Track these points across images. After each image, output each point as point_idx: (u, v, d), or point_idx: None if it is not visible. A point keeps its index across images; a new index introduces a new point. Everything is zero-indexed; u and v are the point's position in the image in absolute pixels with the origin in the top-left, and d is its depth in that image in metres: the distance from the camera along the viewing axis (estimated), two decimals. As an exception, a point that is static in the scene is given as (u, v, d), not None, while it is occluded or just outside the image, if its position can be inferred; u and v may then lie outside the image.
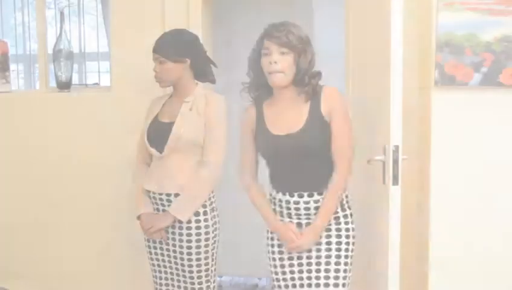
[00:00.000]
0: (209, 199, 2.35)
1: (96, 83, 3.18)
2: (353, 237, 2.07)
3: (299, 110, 2.01)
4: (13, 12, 4.17)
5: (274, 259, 2.10)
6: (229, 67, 3.70)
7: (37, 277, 3.03)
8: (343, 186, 2.04)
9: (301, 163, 2.00)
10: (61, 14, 3.03)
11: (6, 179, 3.04)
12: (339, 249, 2.02)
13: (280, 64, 1.94)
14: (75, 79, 3.84)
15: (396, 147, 2.01)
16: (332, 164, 2.02)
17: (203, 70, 2.40)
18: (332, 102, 2.00)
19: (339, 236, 2.03)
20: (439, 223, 2.46)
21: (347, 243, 2.04)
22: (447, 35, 2.38)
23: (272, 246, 2.11)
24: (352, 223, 2.07)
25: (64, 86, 3.00)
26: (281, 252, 2.08)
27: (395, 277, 2.06)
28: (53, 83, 3.08)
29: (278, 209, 2.08)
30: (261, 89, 2.08)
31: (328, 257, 2.02)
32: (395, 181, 2.03)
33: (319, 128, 1.98)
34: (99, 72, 3.78)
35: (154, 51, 2.32)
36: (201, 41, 2.45)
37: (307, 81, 1.98)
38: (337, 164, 2.01)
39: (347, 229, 2.05)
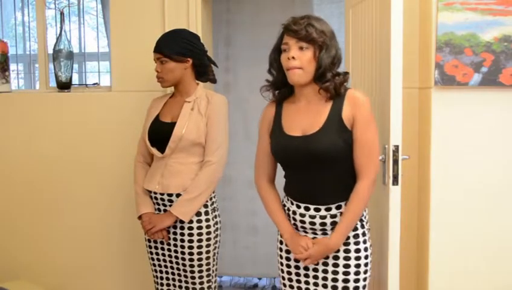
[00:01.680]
0: (211, 199, 2.35)
1: (96, 83, 3.17)
2: (365, 257, 1.89)
3: (318, 110, 1.86)
4: (13, 12, 4.17)
5: (282, 270, 2.00)
6: (229, 67, 3.71)
7: (37, 277, 3.03)
8: (366, 201, 1.86)
9: (312, 170, 1.85)
10: (61, 14, 3.03)
11: (6, 178, 3.04)
12: (347, 273, 1.87)
13: (298, 60, 1.81)
14: (75, 79, 3.84)
15: (396, 147, 2.01)
16: (346, 178, 1.87)
17: (204, 70, 2.40)
18: (356, 108, 1.83)
19: (347, 258, 1.87)
20: (439, 223, 2.46)
21: (357, 266, 1.87)
22: (447, 35, 2.38)
23: (280, 255, 2.00)
24: (364, 242, 1.89)
25: (64, 86, 3.00)
26: (288, 259, 1.97)
27: (396, 277, 2.06)
28: (53, 83, 3.08)
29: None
30: (283, 87, 1.93)
31: (335, 280, 1.87)
32: (395, 181, 2.02)
33: (337, 134, 1.82)
34: (99, 72, 3.77)
35: (156, 51, 2.31)
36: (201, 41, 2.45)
37: (328, 78, 1.82)
38: (361, 176, 1.84)
39: (357, 251, 1.87)
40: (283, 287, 2.01)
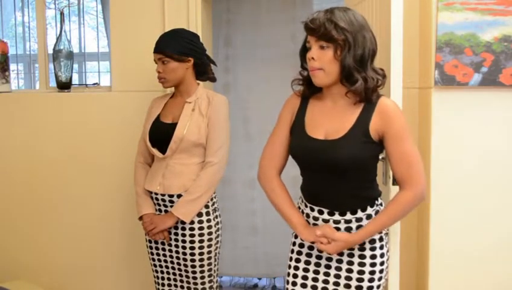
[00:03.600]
0: (211, 199, 2.34)
1: (96, 83, 3.17)
2: (381, 264, 1.78)
3: (345, 115, 1.73)
4: (13, 12, 4.17)
5: (289, 266, 1.89)
6: (229, 67, 3.71)
7: (37, 277, 3.03)
8: (404, 212, 1.74)
9: (329, 176, 1.74)
10: (61, 14, 3.03)
11: (6, 178, 3.04)
12: (360, 280, 1.77)
13: (318, 61, 1.67)
14: (75, 79, 3.84)
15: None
16: (365, 187, 1.77)
17: (204, 70, 2.40)
18: (386, 120, 1.69)
19: (362, 264, 1.77)
20: (439, 223, 2.46)
21: (371, 273, 1.77)
22: (447, 35, 2.38)
23: (291, 256, 1.88)
24: (381, 248, 1.78)
25: (64, 86, 3.00)
26: (297, 260, 1.86)
27: (396, 277, 2.06)
28: (53, 83, 3.08)
29: None
30: (313, 84, 1.76)
31: (348, 286, 1.78)
32: (395, 181, 2.02)
33: (361, 144, 1.69)
34: (99, 72, 3.77)
35: (157, 51, 2.30)
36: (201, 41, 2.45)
37: (356, 79, 1.66)
38: (403, 186, 1.72)
39: (372, 257, 1.77)
40: (286, 285, 1.89)
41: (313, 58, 1.68)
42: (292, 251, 1.89)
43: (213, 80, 2.49)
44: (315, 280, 1.83)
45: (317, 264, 1.83)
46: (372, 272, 1.77)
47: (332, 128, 1.73)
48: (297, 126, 1.81)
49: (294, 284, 1.85)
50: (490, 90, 2.40)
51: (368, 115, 1.70)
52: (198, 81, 2.40)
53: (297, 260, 1.87)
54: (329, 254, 1.79)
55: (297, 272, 1.86)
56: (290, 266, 1.89)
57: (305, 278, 1.85)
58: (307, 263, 1.85)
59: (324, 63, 1.67)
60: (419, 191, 1.71)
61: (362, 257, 1.78)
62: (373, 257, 1.77)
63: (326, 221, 1.77)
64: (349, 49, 1.65)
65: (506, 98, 2.41)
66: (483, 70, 2.38)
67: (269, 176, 1.87)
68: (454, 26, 2.37)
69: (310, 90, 1.81)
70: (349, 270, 1.79)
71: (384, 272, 1.81)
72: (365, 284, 1.77)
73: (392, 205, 1.74)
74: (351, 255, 1.79)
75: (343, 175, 1.73)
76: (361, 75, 1.67)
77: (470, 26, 2.36)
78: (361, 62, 1.67)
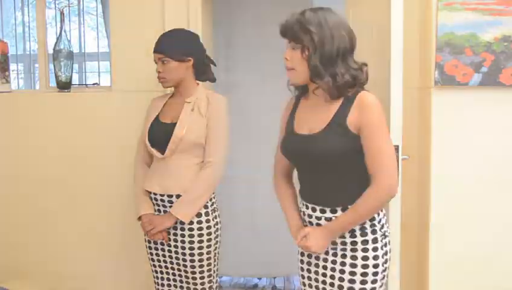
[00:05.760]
0: (211, 199, 2.34)
1: (96, 83, 3.17)
2: (374, 266, 1.73)
3: (327, 110, 1.75)
4: (13, 12, 4.17)
5: (298, 267, 1.94)
6: (229, 67, 3.71)
7: (37, 277, 3.03)
8: (370, 207, 1.71)
9: (315, 171, 1.77)
10: (61, 14, 3.03)
11: (6, 178, 3.04)
12: (352, 281, 1.74)
13: (290, 61, 1.74)
14: (75, 79, 3.85)
15: (396, 147, 2.02)
16: (351, 181, 1.75)
17: (203, 70, 2.40)
18: (362, 113, 1.69)
19: (353, 265, 1.75)
20: (439, 223, 2.46)
21: (363, 275, 1.73)
22: (447, 35, 2.38)
23: (298, 260, 1.93)
24: (374, 250, 1.74)
25: (64, 86, 3.00)
26: (302, 254, 1.91)
27: (396, 277, 2.06)
28: (53, 83, 3.08)
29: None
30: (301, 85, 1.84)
31: (341, 287, 1.77)
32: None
33: (339, 137, 1.70)
34: (99, 72, 3.78)
35: (157, 51, 2.30)
36: (201, 41, 2.45)
37: (322, 77, 1.69)
38: (372, 182, 1.69)
39: (364, 258, 1.74)
40: (302, 287, 1.94)
41: (286, 58, 1.75)
42: (298, 259, 1.94)
43: (213, 80, 2.48)
44: (316, 272, 1.86)
45: (316, 273, 1.86)
46: (364, 274, 1.74)
47: (314, 123, 1.77)
48: (289, 126, 1.88)
49: (303, 283, 1.92)
50: (490, 90, 2.41)
51: (346, 108, 1.72)
52: (197, 81, 2.40)
53: (302, 269, 1.92)
54: (315, 252, 1.78)
55: (304, 281, 1.91)
56: (299, 274, 1.95)
57: (310, 286, 1.89)
58: (309, 271, 1.89)
59: (295, 63, 1.73)
60: (384, 186, 1.68)
61: (354, 258, 1.76)
62: (365, 258, 1.75)
63: (319, 218, 1.78)
64: (316, 49, 1.68)
65: (506, 98, 2.41)
66: (483, 70, 2.38)
67: (276, 178, 1.97)
68: (454, 26, 2.37)
69: (299, 90, 1.89)
70: (342, 271, 1.77)
71: (380, 276, 1.76)
72: (357, 286, 1.75)
73: (359, 201, 1.71)
74: (343, 264, 1.77)
75: (327, 169, 1.75)
76: (328, 73, 1.70)
77: (470, 26, 2.36)
78: (329, 60, 1.69)
